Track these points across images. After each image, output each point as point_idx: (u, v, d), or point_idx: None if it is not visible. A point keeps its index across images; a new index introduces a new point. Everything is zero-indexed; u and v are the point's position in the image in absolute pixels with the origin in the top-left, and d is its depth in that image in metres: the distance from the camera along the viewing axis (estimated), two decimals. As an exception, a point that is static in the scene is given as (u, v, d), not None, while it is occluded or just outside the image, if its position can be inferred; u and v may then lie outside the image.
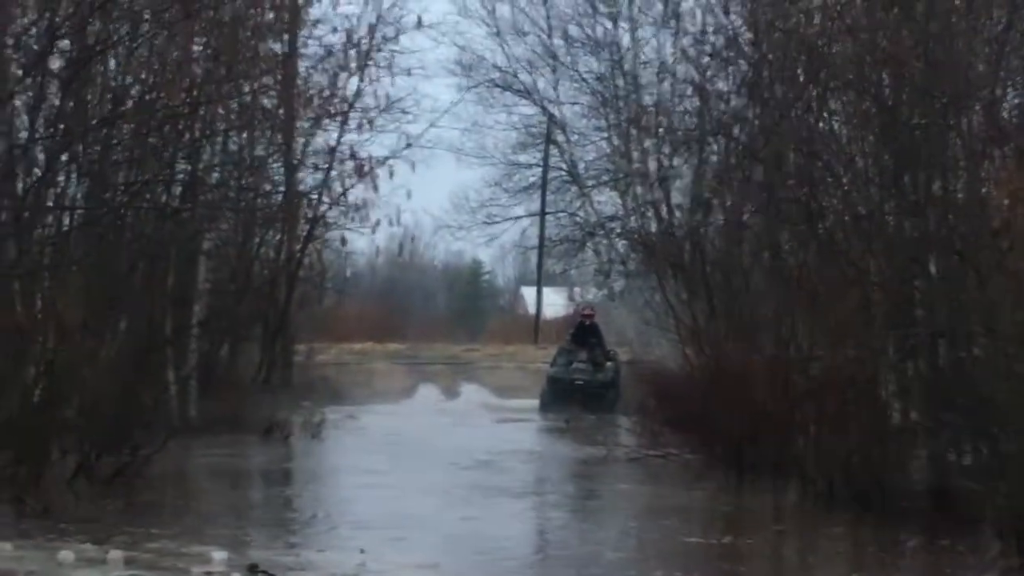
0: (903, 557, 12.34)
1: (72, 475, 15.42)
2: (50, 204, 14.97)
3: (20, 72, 12.81)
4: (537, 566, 11.57)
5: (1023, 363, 11.64)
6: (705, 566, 11.97)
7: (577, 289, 50.67)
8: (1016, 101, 14.45)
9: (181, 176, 19.39)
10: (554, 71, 37.38)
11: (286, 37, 27.04)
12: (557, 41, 36.75)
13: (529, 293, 63.77)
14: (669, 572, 11.58)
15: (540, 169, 42.34)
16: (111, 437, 16.40)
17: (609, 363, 33.55)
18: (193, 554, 11.22)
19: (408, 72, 25.61)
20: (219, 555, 10.86)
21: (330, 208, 30.02)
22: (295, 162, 29.72)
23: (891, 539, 12.94)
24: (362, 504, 15.43)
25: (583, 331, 34.69)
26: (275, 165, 28.32)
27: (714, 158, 22.33)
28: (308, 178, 31.25)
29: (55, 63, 13.81)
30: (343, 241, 29.89)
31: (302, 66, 25.08)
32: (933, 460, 13.70)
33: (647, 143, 26.61)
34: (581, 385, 32.52)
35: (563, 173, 39.58)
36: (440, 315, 74.90)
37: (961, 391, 13.47)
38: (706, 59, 22.10)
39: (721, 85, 21.74)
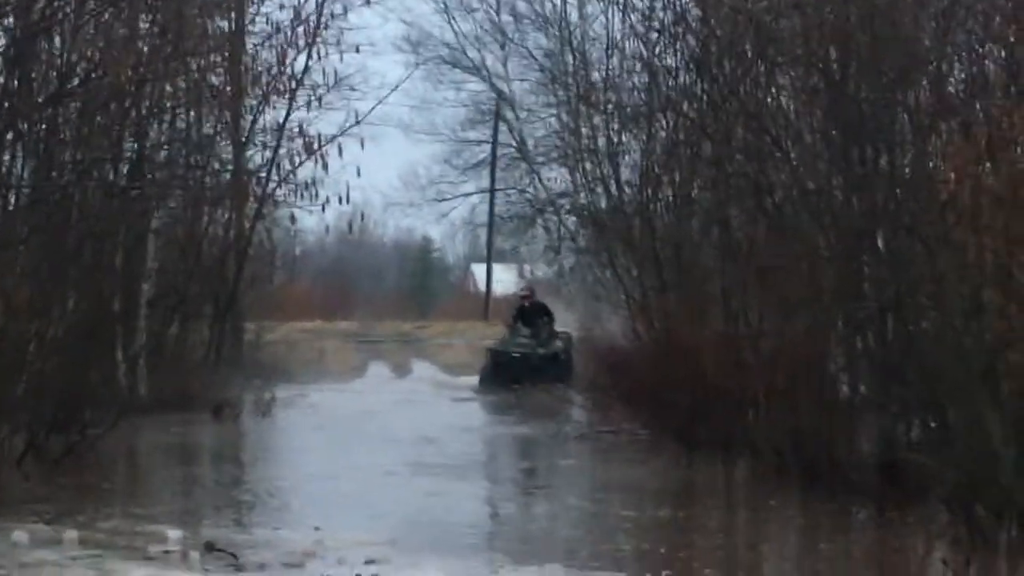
0: (853, 529, 12.43)
1: (21, 455, 15.35)
2: (-3, 183, 14.87)
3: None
4: (491, 542, 11.60)
5: (970, 336, 11.71)
6: (657, 540, 12.00)
7: (527, 266, 50.71)
8: (962, 75, 14.50)
9: (129, 154, 19.29)
10: (503, 47, 37.49)
11: (233, 14, 26.91)
12: (505, 17, 36.85)
13: (479, 270, 63.82)
14: (619, 546, 11.63)
15: (489, 146, 42.42)
16: (60, 416, 16.34)
17: (558, 341, 32.91)
18: (148, 533, 11.21)
19: (356, 49, 25.56)
20: (174, 533, 10.85)
21: (279, 186, 29.91)
22: (243, 140, 29.62)
23: (841, 512, 13.01)
24: (313, 482, 15.42)
25: (525, 313, 33.90)
26: (223, 143, 28.22)
27: (663, 134, 22.32)
28: (257, 156, 31.19)
29: None
30: (292, 219, 29.75)
31: (249, 43, 24.92)
32: (882, 433, 13.77)
33: (596, 119, 26.58)
34: (520, 357, 31.90)
35: (512, 150, 39.67)
36: (390, 293, 74.90)
37: (909, 364, 13.54)
38: (654, 35, 22.07)
39: (670, 61, 21.71)
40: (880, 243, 13.97)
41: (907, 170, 14.03)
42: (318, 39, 24.99)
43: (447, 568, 9.86)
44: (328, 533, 11.21)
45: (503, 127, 40.08)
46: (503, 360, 32.16)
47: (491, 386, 31.43)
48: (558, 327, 33.22)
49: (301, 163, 21.57)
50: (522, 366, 31.24)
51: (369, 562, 9.99)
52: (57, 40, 15.73)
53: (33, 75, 15.02)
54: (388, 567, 9.79)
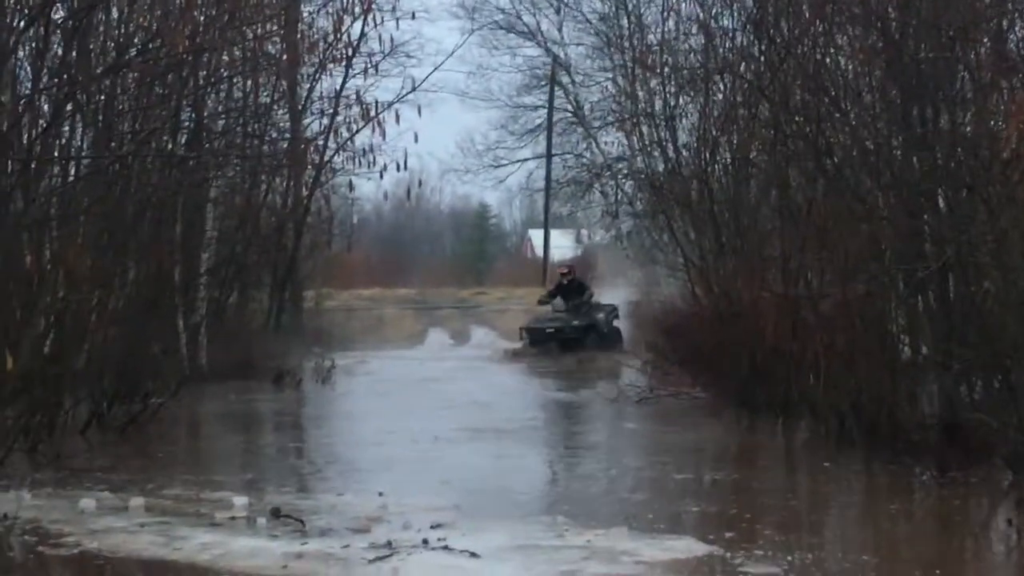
0: (915, 491, 12.37)
1: (85, 425, 15.49)
2: (56, 155, 14.95)
3: (22, 23, 12.75)
4: (554, 505, 11.59)
5: (1033, 295, 11.64)
6: (719, 502, 12.00)
7: (584, 231, 50.70)
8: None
9: (187, 124, 19.36)
10: (558, 12, 37.44)
11: (289, -19, 26.97)
12: (561, -19, 36.71)
13: (537, 236, 63.75)
14: (682, 509, 11.63)
15: (545, 111, 42.33)
16: (122, 386, 16.49)
17: (599, 314, 32.77)
18: (213, 499, 11.28)
19: (412, 15, 25.42)
20: (239, 500, 10.92)
21: (336, 154, 30.02)
22: (300, 108, 29.70)
23: (903, 473, 12.96)
24: (375, 448, 15.49)
25: (563, 290, 33.63)
26: (281, 111, 28.30)
27: (720, 96, 22.22)
28: (314, 124, 31.29)
29: (58, 13, 13.77)
30: (350, 187, 29.92)
31: (305, 11, 24.92)
32: (944, 394, 13.70)
33: (652, 82, 26.47)
34: (554, 332, 31.77)
35: (568, 114, 39.62)
36: (448, 259, 75.11)
37: (971, 324, 13.47)
38: (710, -4, 21.96)
39: (726, 22, 21.63)
40: (941, 202, 13.87)
41: (968, 128, 13.90)
42: (374, 6, 24.92)
43: (512, 532, 9.88)
44: (392, 498, 11.25)
45: (559, 92, 40.04)
46: (538, 337, 32.03)
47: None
48: (611, 296, 33.24)
49: (358, 130, 21.56)
50: (558, 340, 31.27)
51: (435, 526, 10.02)
52: (114, 11, 15.79)
53: (91, 47, 15.09)
54: (454, 532, 9.81)
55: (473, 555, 9.13)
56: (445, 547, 9.35)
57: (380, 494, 11.41)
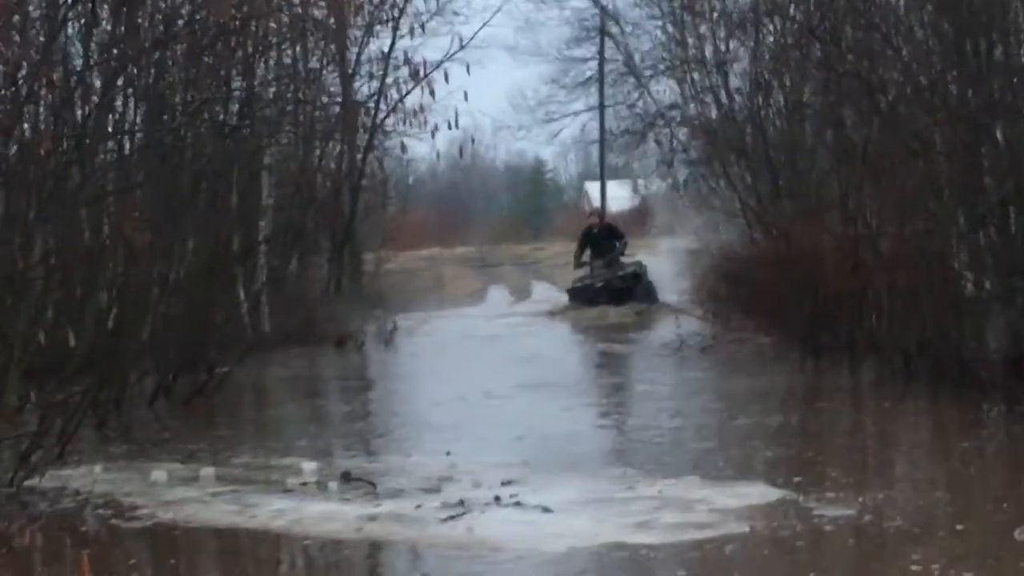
0: (984, 426, 12.32)
1: (151, 397, 15.59)
2: (110, 129, 14.99)
3: (70, 0, 12.77)
4: (623, 457, 11.60)
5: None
6: (787, 447, 11.98)
7: (641, 180, 50.52)
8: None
9: (237, 93, 19.37)
10: (604, -38, 37.11)
11: (333, -54, 26.92)
12: (606, -69, 36.49)
13: (593, 188, 63.64)
14: (751, 454, 11.61)
15: (596, 63, 42.15)
16: (187, 357, 16.57)
17: (632, 266, 31.63)
18: (283, 466, 11.32)
19: (458, -28, 25.43)
20: (309, 466, 10.94)
21: (388, 115, 30.00)
22: (350, 72, 29.70)
23: (971, 409, 12.91)
24: (438, 409, 15.50)
25: (594, 240, 31.93)
26: (331, 76, 28.30)
27: (771, 39, 22.10)
28: (364, 87, 31.27)
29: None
30: (403, 148, 29.86)
31: (351, -26, 24.95)
32: (1009, 328, 13.61)
33: (702, 28, 26.35)
34: (603, 286, 30.58)
35: (619, 65, 39.34)
36: (504, 216, 75.17)
37: (1034, 257, 13.38)
38: (758, -61, 21.83)
39: (775, -36, 21.49)
40: (998, 135, 13.75)
41: (1022, 59, 13.77)
42: (418, -34, 24.92)
43: (584, 486, 9.88)
44: (460, 457, 11.27)
45: (609, 43, 39.78)
46: (586, 295, 30.77)
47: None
48: (678, 240, 32.83)
49: (408, 92, 21.51)
50: (607, 294, 30.23)
51: (506, 483, 10.03)
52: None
53: (139, 20, 15.11)
54: (525, 488, 9.82)
55: (546, 510, 9.14)
56: (517, 503, 9.37)
57: (448, 453, 11.44)
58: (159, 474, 10.95)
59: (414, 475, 10.71)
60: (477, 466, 10.90)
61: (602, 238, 31.86)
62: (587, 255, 31.86)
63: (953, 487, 9.97)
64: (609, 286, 30.35)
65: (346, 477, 10.54)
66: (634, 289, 30.20)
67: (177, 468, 11.34)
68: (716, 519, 8.79)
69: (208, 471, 11.01)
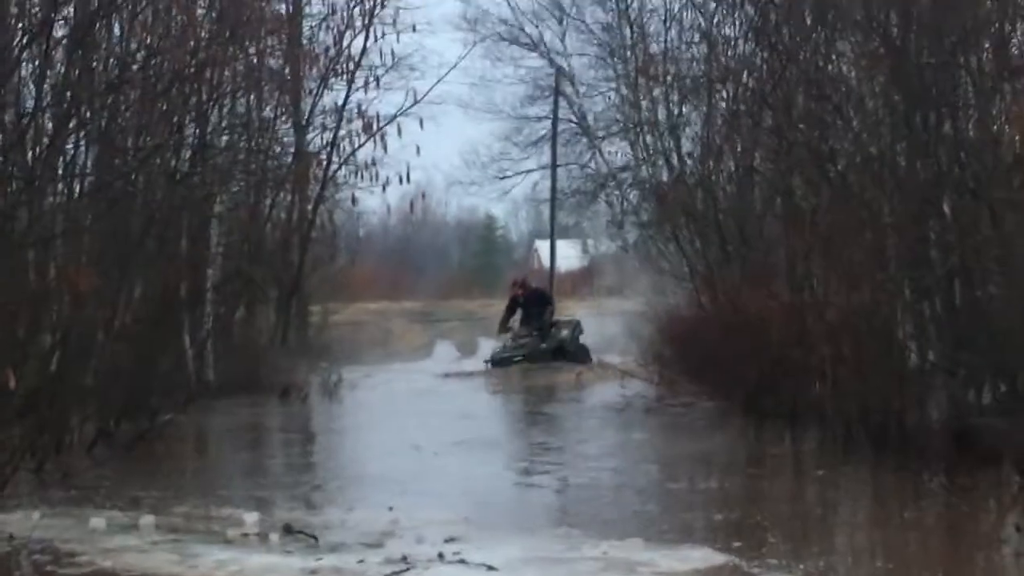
0: (924, 497, 12.34)
1: (92, 442, 15.47)
2: (60, 172, 14.95)
3: (24, 40, 12.75)
4: (565, 517, 11.59)
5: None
6: (729, 511, 11.98)
7: (590, 241, 50.63)
8: (1025, 37, 14.36)
9: (190, 140, 19.35)
10: (560, 22, 37.35)
11: (290, -4, 26.96)
12: (562, -8, 36.69)
13: (543, 246, 63.73)
14: (693, 517, 11.60)
15: (550, 122, 42.26)
16: (129, 403, 16.46)
17: (562, 331, 31.00)
18: (224, 516, 11.24)
19: (413, 28, 25.54)
20: (250, 517, 10.87)
21: (340, 168, 30.02)
22: (304, 122, 29.69)
23: (911, 479, 12.94)
24: (380, 462, 15.46)
25: (522, 306, 31.50)
26: (284, 126, 28.30)
27: (723, 104, 22.24)
28: (317, 138, 31.27)
29: (59, 30, 13.77)
30: (353, 200, 29.88)
31: (307, 25, 25.01)
32: (952, 399, 13.69)
33: (656, 91, 26.52)
34: (521, 360, 29.82)
35: (573, 125, 39.54)
36: (455, 272, 75.08)
37: (978, 330, 13.45)
38: (712, 5, 21.99)
39: (728, 31, 21.67)
40: (945, 208, 13.86)
41: (971, 133, 13.90)
42: (375, 19, 25.01)
43: (527, 545, 9.85)
44: (402, 513, 11.21)
45: (563, 102, 39.96)
46: (506, 365, 29.88)
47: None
48: (626, 302, 32.67)
49: (360, 145, 21.61)
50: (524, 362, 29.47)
51: (449, 540, 9.98)
52: (116, 28, 15.80)
53: (93, 64, 15.09)
54: (468, 545, 9.78)
55: (490, 568, 9.10)
56: (461, 560, 9.32)
57: (390, 509, 11.38)
58: (98, 521, 10.85)
59: (356, 529, 10.65)
60: (419, 522, 10.85)
61: (530, 304, 31.39)
62: (516, 319, 31.42)
63: (892, 558, 9.98)
64: (530, 358, 29.74)
65: (288, 529, 10.48)
66: (555, 360, 29.56)
67: (116, 516, 11.24)
68: (661, 583, 8.79)
69: (148, 519, 10.91)
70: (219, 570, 9.31)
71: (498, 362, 30.30)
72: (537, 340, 30.31)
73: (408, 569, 9.06)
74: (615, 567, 9.16)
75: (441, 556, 9.46)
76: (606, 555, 9.51)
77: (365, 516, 11.25)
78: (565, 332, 30.87)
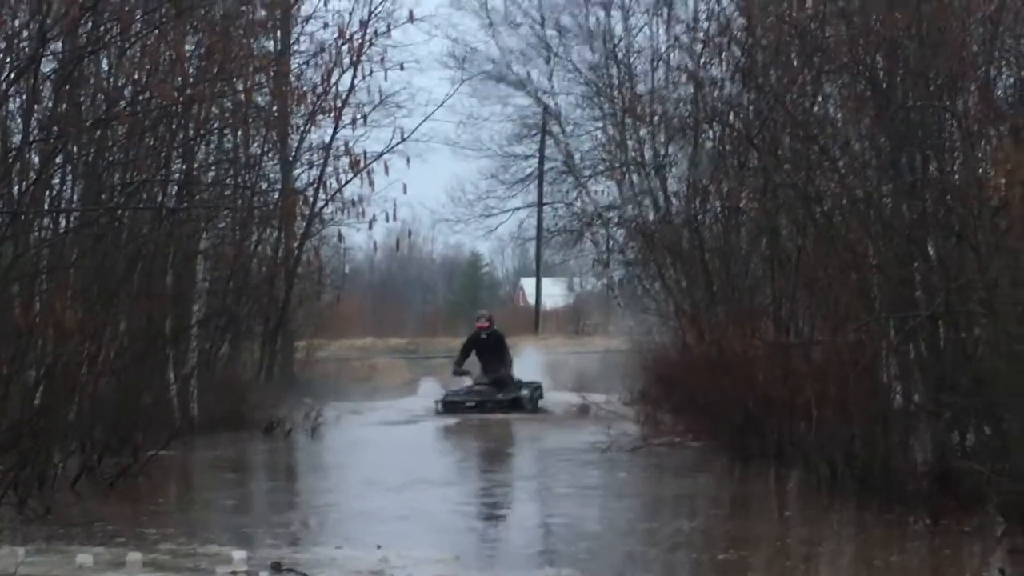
0: (908, 539, 12.33)
1: (75, 478, 15.42)
2: (46, 206, 14.95)
3: (12, 75, 12.77)
4: (550, 555, 11.56)
5: (1024, 343, 11.64)
6: (712, 552, 11.97)
7: (576, 279, 50.68)
8: (1011, 80, 14.42)
9: (177, 176, 19.37)
10: (548, 62, 37.45)
11: (278, 34, 27.05)
12: (550, 32, 36.86)
13: (529, 284, 63.83)
14: (680, 558, 11.59)
15: (536, 160, 42.38)
16: (113, 438, 16.42)
17: (523, 390, 29.56)
18: (211, 554, 11.16)
19: (401, 66, 25.50)
20: (238, 554, 10.78)
21: (326, 205, 30.05)
22: (290, 159, 29.75)
23: (896, 522, 12.93)
24: (367, 500, 15.43)
25: (479, 346, 30.13)
26: (271, 163, 28.35)
27: (710, 145, 22.31)
28: (304, 175, 31.33)
29: (47, 65, 13.79)
30: (340, 237, 29.93)
31: (295, 63, 25.09)
32: (936, 442, 13.68)
33: (642, 131, 26.61)
34: (474, 406, 28.48)
35: (559, 163, 39.63)
36: (440, 308, 75.06)
37: (963, 372, 13.46)
38: (699, 46, 22.07)
39: (715, 72, 21.72)
40: (931, 250, 13.89)
41: (957, 176, 13.94)
42: (363, 57, 25.05)
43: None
44: (391, 551, 11.15)
45: (549, 141, 40.09)
46: (456, 410, 28.51)
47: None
48: (611, 340, 32.57)
49: (347, 183, 21.62)
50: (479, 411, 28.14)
51: (442, 579, 9.96)
52: (104, 63, 15.83)
53: (81, 98, 15.12)
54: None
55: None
56: (456, 600, 9.28)
57: (379, 547, 11.34)
58: (85, 557, 10.75)
59: (346, 567, 10.60)
60: (409, 560, 10.80)
61: (489, 347, 29.97)
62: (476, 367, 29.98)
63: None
64: (480, 408, 28.34)
65: (276, 568, 10.40)
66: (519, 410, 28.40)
67: (102, 552, 11.16)
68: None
69: (135, 556, 10.82)
70: (209, 609, 9.25)
71: (448, 405, 28.94)
72: (494, 391, 29.03)
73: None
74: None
75: (436, 595, 9.41)
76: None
77: (353, 554, 11.18)
78: (525, 391, 29.54)
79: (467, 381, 30.04)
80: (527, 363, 34.49)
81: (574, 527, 13.29)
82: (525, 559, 11.39)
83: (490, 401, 28.35)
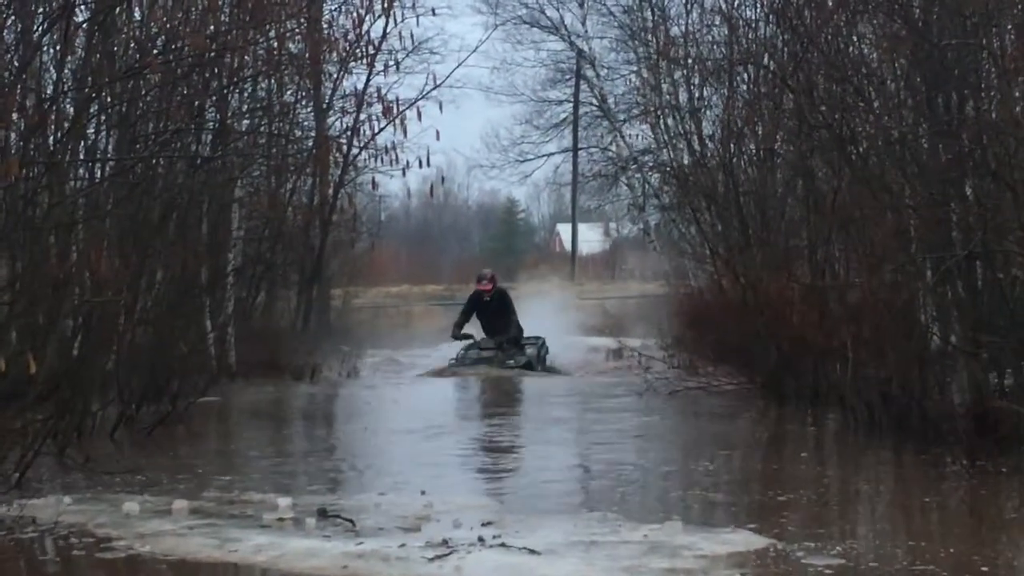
0: (945, 480, 12.32)
1: (113, 426, 15.51)
2: (81, 156, 14.98)
3: (45, 25, 12.77)
4: (595, 499, 11.56)
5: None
6: (749, 493, 11.98)
7: (612, 224, 50.63)
8: (1048, 17, 14.28)
9: (210, 124, 19.38)
10: (581, 6, 37.43)
11: (310, -20, 26.98)
12: (584, -25, 36.71)
13: (565, 230, 63.85)
14: (715, 499, 11.60)
15: (571, 105, 42.34)
16: (151, 387, 16.51)
17: (528, 349, 27.28)
18: (256, 501, 11.19)
19: (433, 12, 25.49)
20: (284, 501, 10.79)
21: (360, 152, 30.04)
22: (324, 107, 29.74)
23: (933, 462, 12.92)
24: (405, 446, 15.48)
25: (482, 310, 27.43)
26: (304, 110, 28.35)
27: (744, 87, 22.22)
28: (337, 122, 31.33)
29: (79, 15, 13.78)
30: (374, 184, 29.95)
31: (327, 9, 24.98)
32: (973, 382, 13.65)
33: (677, 74, 26.47)
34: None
35: (594, 108, 39.61)
36: (476, 255, 75.15)
37: (1000, 312, 13.41)
38: (733, -13, 21.95)
39: (749, 13, 21.64)
40: (967, 190, 13.81)
41: (993, 115, 13.84)
42: (395, 3, 25.00)
43: (565, 528, 9.81)
44: (435, 496, 11.17)
45: (584, 85, 40.04)
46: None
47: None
48: (648, 284, 32.50)
49: (380, 130, 21.62)
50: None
51: (486, 524, 9.95)
52: (136, 12, 15.83)
53: (113, 48, 15.12)
54: (506, 529, 9.73)
55: (532, 552, 9.05)
56: (502, 544, 9.28)
57: (423, 492, 11.35)
58: (131, 505, 10.78)
59: (391, 513, 10.59)
60: (454, 506, 10.81)
61: (491, 309, 27.43)
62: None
63: (918, 536, 9.95)
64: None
65: (323, 513, 10.40)
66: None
67: (149, 500, 11.21)
68: (705, 565, 8.75)
69: (181, 504, 10.85)
70: (259, 554, 9.28)
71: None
72: (503, 356, 26.61)
73: (451, 553, 9.03)
74: (658, 551, 9.13)
75: (481, 540, 9.42)
76: (647, 538, 9.50)
77: (398, 500, 11.17)
78: (531, 351, 27.42)
79: (465, 344, 27.57)
80: (558, 311, 34.48)
81: (612, 471, 13.30)
82: (570, 503, 11.42)
83: (501, 367, 26.01)
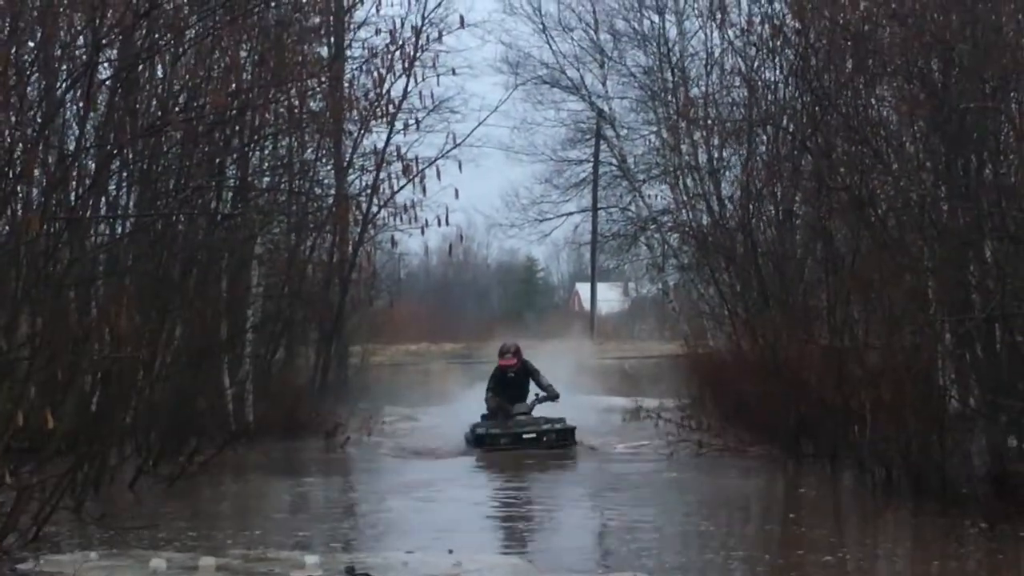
0: (964, 543, 12.26)
1: (131, 481, 15.51)
2: (102, 212, 15.05)
3: (68, 82, 12.85)
4: (622, 559, 11.54)
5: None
6: (768, 554, 11.94)
7: (631, 284, 50.58)
8: (1066, 81, 14.31)
9: (231, 181, 19.46)
10: (602, 66, 37.42)
11: (331, 40, 27.11)
12: (604, 36, 36.83)
13: (584, 289, 63.79)
14: (735, 560, 11.56)
15: (590, 164, 42.31)
16: (169, 443, 16.52)
17: (557, 424, 23.68)
18: (283, 559, 11.10)
19: (454, 72, 25.52)
20: (311, 559, 10.73)
21: (380, 210, 30.07)
22: (344, 164, 29.80)
23: (951, 525, 12.86)
24: (431, 504, 15.44)
25: (506, 384, 24.72)
26: (324, 168, 28.39)
27: (763, 148, 22.26)
28: (357, 180, 31.37)
29: (102, 72, 13.86)
30: (393, 242, 29.90)
31: (348, 68, 25.13)
32: (992, 445, 13.61)
33: (696, 135, 26.54)
34: (534, 438, 23.20)
35: (613, 168, 39.59)
36: (495, 314, 75.05)
37: (1019, 375, 13.38)
38: (753, 50, 22.01)
39: (769, 75, 21.68)
40: (986, 252, 13.81)
41: (1011, 179, 13.86)
42: (416, 63, 25.10)
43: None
44: (463, 555, 11.11)
45: (604, 145, 40.04)
46: (482, 444, 23.15)
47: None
48: (666, 345, 32.17)
49: (400, 188, 21.64)
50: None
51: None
52: (159, 70, 15.92)
53: (136, 104, 15.20)
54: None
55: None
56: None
57: (450, 551, 11.30)
58: (158, 562, 10.69)
59: (419, 572, 10.52)
60: (483, 565, 10.76)
61: (515, 384, 24.88)
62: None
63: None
64: (540, 440, 23.14)
65: (351, 572, 10.34)
66: (566, 445, 23.46)
67: (173, 556, 11.16)
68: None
69: (208, 561, 10.75)
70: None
71: (478, 437, 23.53)
72: (544, 420, 23.78)
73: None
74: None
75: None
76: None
77: (426, 559, 11.10)
78: (560, 426, 23.88)
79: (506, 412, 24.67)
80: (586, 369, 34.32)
81: (634, 530, 13.27)
82: (595, 562, 11.41)
83: (549, 431, 23.43)
